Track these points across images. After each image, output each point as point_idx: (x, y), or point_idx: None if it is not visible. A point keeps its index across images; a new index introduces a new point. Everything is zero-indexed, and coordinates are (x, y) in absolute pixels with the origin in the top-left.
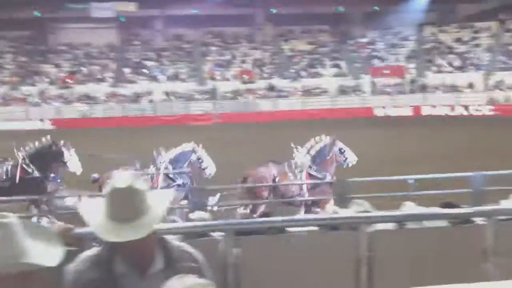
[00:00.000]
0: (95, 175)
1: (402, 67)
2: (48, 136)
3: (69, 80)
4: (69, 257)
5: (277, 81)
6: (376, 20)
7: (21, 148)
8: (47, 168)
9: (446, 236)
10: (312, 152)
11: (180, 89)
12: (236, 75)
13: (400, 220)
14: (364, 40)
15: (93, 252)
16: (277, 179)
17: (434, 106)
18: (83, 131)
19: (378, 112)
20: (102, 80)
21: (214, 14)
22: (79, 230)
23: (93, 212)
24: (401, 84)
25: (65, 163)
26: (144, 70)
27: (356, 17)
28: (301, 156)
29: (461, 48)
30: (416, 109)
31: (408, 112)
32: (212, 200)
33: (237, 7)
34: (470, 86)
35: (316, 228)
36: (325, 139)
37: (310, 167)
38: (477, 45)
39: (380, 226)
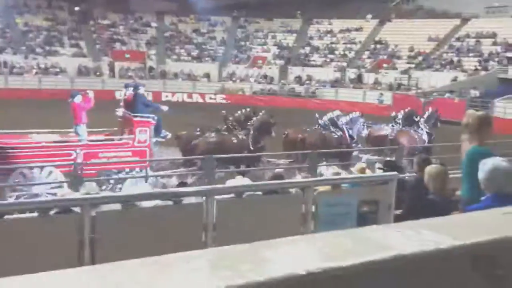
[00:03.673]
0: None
1: (143, 52)
2: (263, 111)
3: None
4: None
5: (9, 57)
6: (118, 3)
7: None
8: (261, 140)
9: (165, 213)
10: (424, 117)
11: None
12: None
13: (124, 201)
14: (106, 22)
15: None
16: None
17: (173, 93)
18: None
19: (119, 96)
20: None
21: None
22: None
23: None
24: (141, 69)
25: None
26: None
27: None
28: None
29: (199, 39)
30: (156, 94)
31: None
32: None
33: None
34: (207, 75)
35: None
36: (429, 109)
37: (426, 127)
38: (212, 38)
39: (105, 207)
